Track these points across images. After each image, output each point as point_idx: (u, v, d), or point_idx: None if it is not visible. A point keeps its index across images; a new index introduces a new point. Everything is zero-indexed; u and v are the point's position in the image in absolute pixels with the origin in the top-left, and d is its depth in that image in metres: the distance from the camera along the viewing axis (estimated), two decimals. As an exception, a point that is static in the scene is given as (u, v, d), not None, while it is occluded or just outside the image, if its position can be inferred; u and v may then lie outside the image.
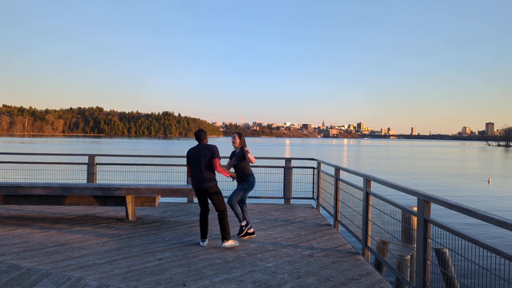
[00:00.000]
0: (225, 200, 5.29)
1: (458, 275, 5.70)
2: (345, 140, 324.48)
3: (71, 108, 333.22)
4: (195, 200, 8.24)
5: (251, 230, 5.49)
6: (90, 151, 57.43)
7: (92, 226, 5.98)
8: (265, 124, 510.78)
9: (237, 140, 5.56)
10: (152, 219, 6.54)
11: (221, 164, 5.30)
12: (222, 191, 7.26)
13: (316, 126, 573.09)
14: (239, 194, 5.43)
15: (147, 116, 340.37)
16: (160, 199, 8.21)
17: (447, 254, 5.24)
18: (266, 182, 8.06)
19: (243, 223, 5.44)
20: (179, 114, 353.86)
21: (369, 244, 4.77)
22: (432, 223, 3.27)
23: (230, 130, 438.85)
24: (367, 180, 4.80)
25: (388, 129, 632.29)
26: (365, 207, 4.81)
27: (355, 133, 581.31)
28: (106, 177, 8.13)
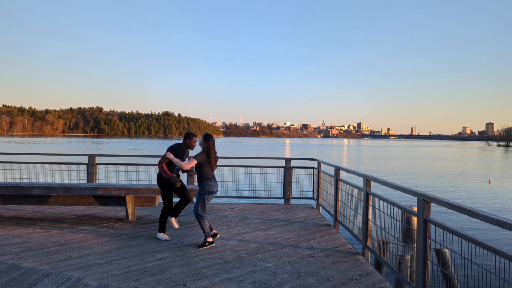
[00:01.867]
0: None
1: (458, 275, 5.69)
2: (345, 140, 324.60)
3: (71, 108, 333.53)
4: (195, 200, 8.22)
5: (211, 239, 5.07)
6: (90, 151, 57.42)
7: (92, 226, 5.98)
8: (265, 124, 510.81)
9: (201, 141, 5.14)
10: (152, 219, 6.54)
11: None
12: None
13: (316, 126, 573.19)
14: (199, 203, 5.09)
15: (147, 116, 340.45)
16: (160, 199, 8.21)
17: (447, 254, 5.24)
18: (266, 182, 8.07)
19: (209, 239, 5.03)
20: (179, 114, 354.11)
21: (369, 244, 4.77)
22: (432, 223, 3.27)
23: (230, 130, 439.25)
24: (367, 180, 4.80)
25: (388, 129, 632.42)
26: (365, 207, 4.81)
27: (355, 133, 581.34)
28: (106, 177, 8.12)
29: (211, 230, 5.26)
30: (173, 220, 5.59)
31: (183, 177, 8.23)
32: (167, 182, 5.40)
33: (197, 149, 5.39)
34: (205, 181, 5.11)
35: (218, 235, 5.43)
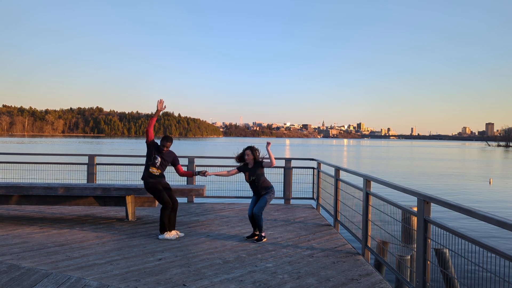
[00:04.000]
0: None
1: (458, 275, 5.69)
2: (345, 140, 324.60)
3: (71, 108, 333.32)
4: (195, 200, 8.24)
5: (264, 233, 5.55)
6: (90, 151, 57.41)
7: (92, 226, 5.98)
8: (265, 124, 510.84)
9: (251, 157, 5.47)
10: (152, 219, 6.54)
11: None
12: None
13: (316, 126, 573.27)
14: (266, 206, 5.47)
15: (147, 116, 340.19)
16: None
17: (447, 254, 5.24)
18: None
19: (263, 234, 5.47)
20: (179, 114, 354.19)
21: (369, 244, 4.77)
22: (432, 223, 3.27)
23: (230, 130, 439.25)
24: (367, 180, 4.80)
25: (388, 129, 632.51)
26: (365, 207, 4.81)
27: (355, 133, 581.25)
28: (106, 177, 8.12)
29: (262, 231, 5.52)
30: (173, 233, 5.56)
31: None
32: (150, 186, 5.51)
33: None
34: (272, 186, 5.55)
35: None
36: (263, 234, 5.41)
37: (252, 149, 5.53)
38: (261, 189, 5.48)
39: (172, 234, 5.40)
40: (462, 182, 23.52)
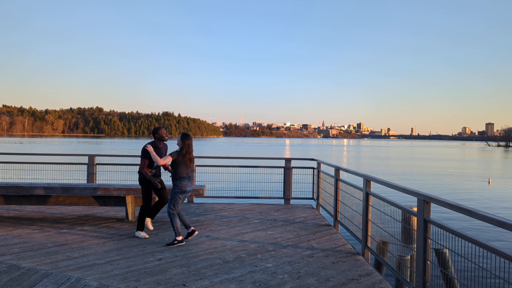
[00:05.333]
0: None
1: (458, 276, 5.70)
2: (345, 140, 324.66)
3: (71, 108, 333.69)
4: (195, 200, 8.24)
5: (180, 238, 5.09)
6: (90, 151, 57.39)
7: (92, 226, 5.98)
8: (265, 124, 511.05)
9: (178, 140, 5.21)
10: (152, 219, 6.54)
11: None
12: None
13: (316, 127, 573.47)
14: (174, 201, 5.11)
15: (147, 116, 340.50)
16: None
17: (447, 254, 5.24)
18: (266, 182, 8.07)
19: (178, 238, 5.06)
20: (179, 114, 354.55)
21: (369, 244, 4.77)
22: (432, 223, 3.28)
23: (230, 130, 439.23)
24: (367, 180, 4.80)
25: (388, 129, 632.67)
26: (365, 207, 4.81)
27: (355, 133, 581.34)
28: (106, 177, 8.12)
29: (189, 228, 5.29)
30: (149, 222, 5.63)
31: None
32: (148, 181, 5.50)
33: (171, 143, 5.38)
34: (178, 180, 5.15)
35: (196, 233, 5.32)
36: (177, 238, 5.02)
37: (182, 134, 5.25)
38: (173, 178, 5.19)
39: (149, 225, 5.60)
40: (462, 182, 23.52)
